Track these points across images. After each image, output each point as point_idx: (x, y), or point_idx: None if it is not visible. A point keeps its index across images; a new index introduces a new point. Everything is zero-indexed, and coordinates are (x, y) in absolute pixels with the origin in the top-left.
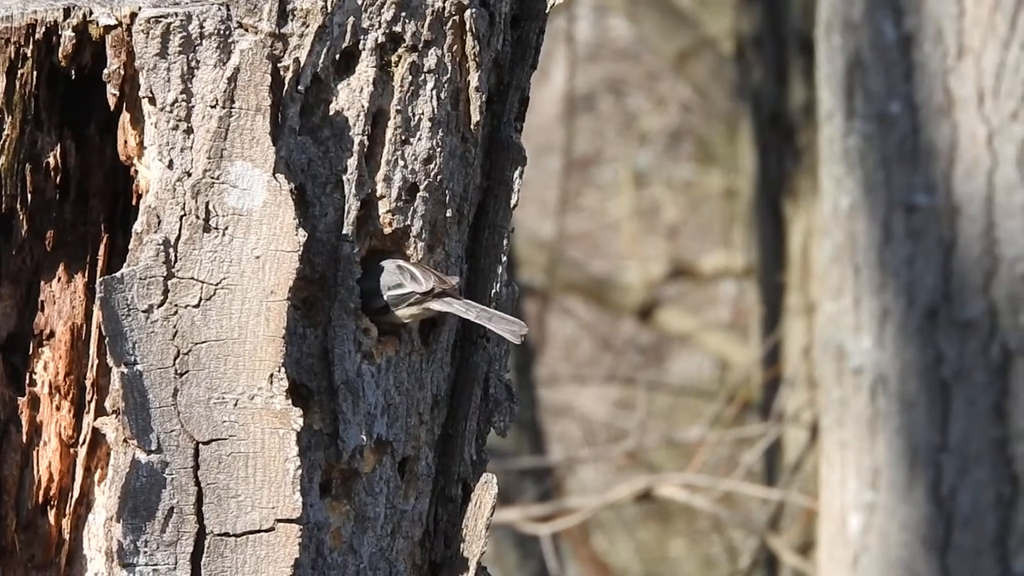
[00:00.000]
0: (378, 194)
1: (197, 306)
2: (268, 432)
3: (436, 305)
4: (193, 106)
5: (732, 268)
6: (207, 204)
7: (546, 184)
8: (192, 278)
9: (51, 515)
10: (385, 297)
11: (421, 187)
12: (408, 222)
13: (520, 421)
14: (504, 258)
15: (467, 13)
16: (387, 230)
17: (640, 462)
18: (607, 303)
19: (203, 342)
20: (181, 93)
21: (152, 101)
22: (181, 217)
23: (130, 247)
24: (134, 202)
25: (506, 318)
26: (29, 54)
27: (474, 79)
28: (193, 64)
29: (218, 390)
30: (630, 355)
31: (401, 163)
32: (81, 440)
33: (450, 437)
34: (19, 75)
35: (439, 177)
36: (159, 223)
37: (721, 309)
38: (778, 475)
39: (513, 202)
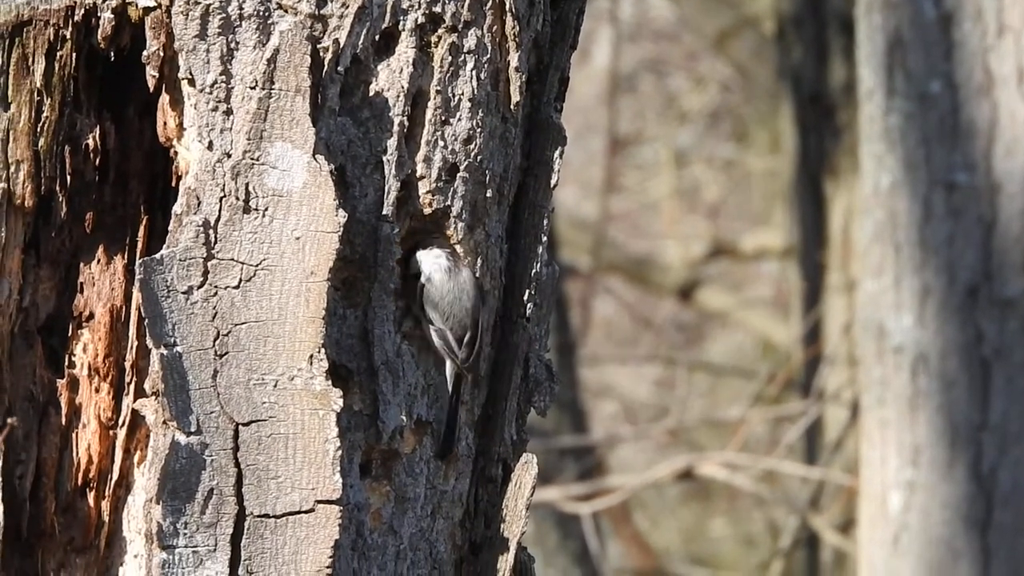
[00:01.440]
0: (418, 175)
1: (237, 287)
2: (308, 413)
3: (446, 367)
4: (233, 87)
5: (772, 247)
6: (247, 185)
7: (587, 164)
8: (232, 259)
9: (90, 497)
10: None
11: (461, 167)
12: (448, 202)
13: (560, 400)
14: (544, 238)
15: None
16: (427, 210)
17: (681, 441)
18: (648, 283)
19: (243, 323)
20: (221, 74)
21: (192, 82)
22: (221, 198)
23: (170, 229)
24: (173, 184)
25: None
26: (68, 36)
27: (514, 59)
28: (232, 45)
29: (258, 371)
30: (671, 334)
31: (441, 143)
32: (120, 422)
33: (490, 417)
34: (58, 57)
35: (479, 157)
36: (199, 204)
37: (762, 288)
38: (819, 454)
39: (553, 182)
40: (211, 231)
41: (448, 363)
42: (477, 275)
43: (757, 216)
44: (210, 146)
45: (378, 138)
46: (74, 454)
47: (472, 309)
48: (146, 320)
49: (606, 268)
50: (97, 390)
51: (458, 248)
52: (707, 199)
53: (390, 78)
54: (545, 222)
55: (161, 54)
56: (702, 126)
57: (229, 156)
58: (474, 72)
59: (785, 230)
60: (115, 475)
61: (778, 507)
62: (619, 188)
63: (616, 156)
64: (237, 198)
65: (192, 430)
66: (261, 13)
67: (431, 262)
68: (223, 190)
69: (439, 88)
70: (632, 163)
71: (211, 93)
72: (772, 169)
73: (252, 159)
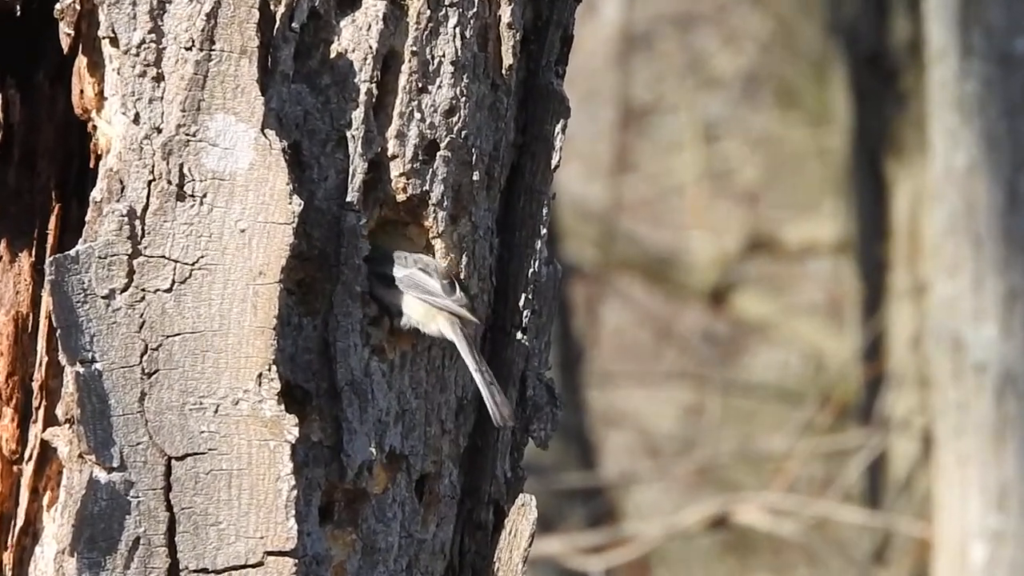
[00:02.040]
0: (390, 153)
1: (169, 291)
2: (256, 445)
3: (445, 327)
4: (164, 48)
5: (823, 241)
6: (181, 166)
7: (595, 141)
8: (163, 256)
9: None
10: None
11: (442, 144)
12: (426, 187)
13: (565, 429)
14: (544, 230)
15: None
16: (400, 197)
17: (712, 480)
18: (671, 285)
19: (176, 335)
20: (150, 32)
21: (114, 42)
22: (149, 182)
23: (87, 219)
24: (92, 165)
25: (501, 396)
26: None
27: (506, 14)
28: None
29: (195, 393)
30: (699, 348)
31: (417, 116)
32: (27, 456)
33: (479, 450)
34: None
35: (464, 132)
36: (122, 190)
37: (811, 291)
38: (883, 496)
39: (554, 162)
40: (137, 222)
41: (445, 325)
42: (462, 275)
43: (804, 203)
44: (136, 119)
45: (341, 109)
46: None
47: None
48: (58, 331)
49: (619, 267)
50: None
51: (438, 243)
52: (742, 182)
53: (356, 36)
54: (544, 211)
55: (77, 7)
56: (735, 93)
57: (159, 131)
58: (457, 30)
59: (838, 220)
60: (20, 520)
61: (833, 561)
62: (634, 169)
63: (630, 130)
64: (169, 182)
65: (114, 465)
66: None
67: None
68: (152, 172)
69: (415, 49)
70: (650, 138)
71: (138, 55)
72: (822, 146)
73: (188, 135)
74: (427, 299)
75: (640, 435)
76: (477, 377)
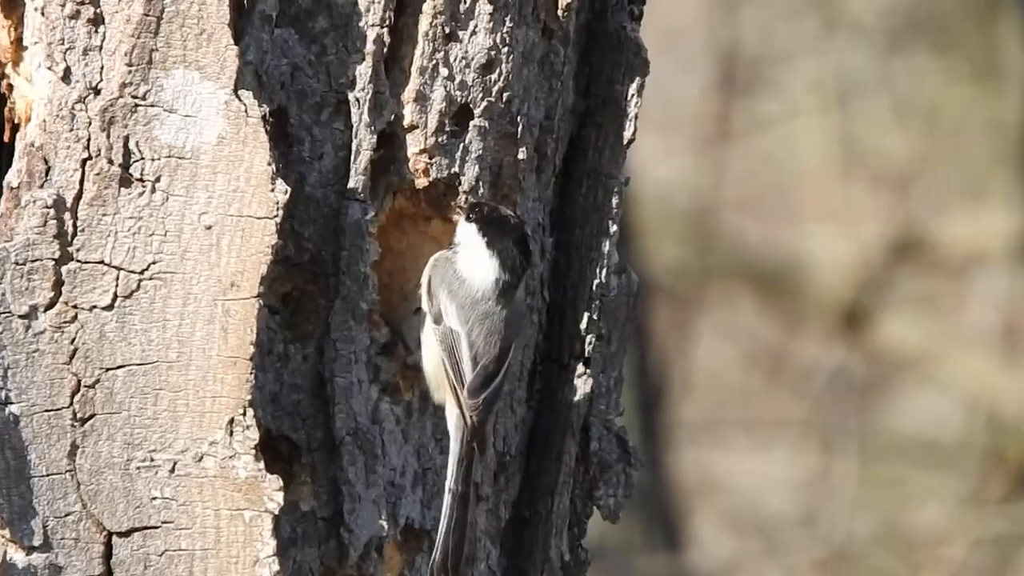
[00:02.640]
0: (406, 122)
1: (110, 308)
2: (227, 516)
3: (450, 414)
4: None
5: (994, 242)
6: (126, 141)
7: (684, 106)
8: (102, 262)
9: None
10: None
11: (477, 111)
12: (455, 168)
13: (641, 497)
14: (613, 228)
15: None
16: (421, 182)
17: (845, 571)
18: (787, 303)
19: (119, 367)
20: None
21: None
22: (84, 162)
23: (0, 212)
24: (7, 138)
25: (447, 542)
26: None
27: None
28: None
29: (144, 446)
30: (825, 391)
31: (444, 72)
32: None
33: (527, 523)
34: None
35: (505, 94)
36: (47, 172)
37: (978, 312)
38: None
39: (627, 135)
40: (67, 216)
41: (451, 413)
42: (505, 278)
43: (968, 189)
44: (66, 76)
45: (341, 63)
46: None
47: (509, 325)
48: None
49: (717, 278)
50: None
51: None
52: (885, 162)
53: None
54: (614, 201)
55: None
56: (876, 42)
57: (97, 92)
58: None
59: (1013, 213)
60: None
61: None
62: (738, 144)
63: (732, 92)
64: (110, 161)
65: (35, 543)
66: None
67: (466, 229)
68: (87, 149)
69: None
70: (759, 103)
71: None
72: (991, 111)
73: (135, 97)
74: (450, 376)
75: (744, 507)
76: (446, 498)
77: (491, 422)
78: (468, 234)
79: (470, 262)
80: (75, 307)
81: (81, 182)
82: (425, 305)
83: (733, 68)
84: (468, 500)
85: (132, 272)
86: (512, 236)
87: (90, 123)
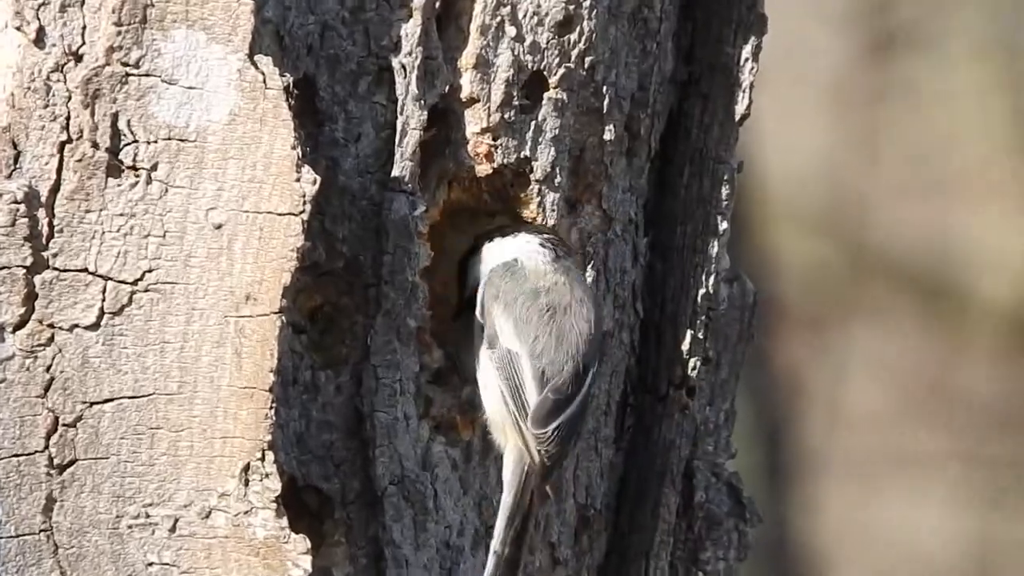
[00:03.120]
0: (464, 95)
1: (96, 327)
2: None
3: (509, 456)
4: None
5: None
6: (115, 119)
7: (818, 73)
8: (85, 270)
9: None
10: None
11: (552, 79)
12: (526, 151)
13: (761, 558)
14: (723, 225)
15: None
16: (483, 168)
17: None
18: (948, 314)
19: (107, 401)
20: None
21: None
22: (62, 146)
23: None
24: None
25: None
26: None
27: None
28: None
29: (137, 499)
30: (1001, 424)
31: (511, 31)
32: None
33: None
34: None
35: (588, 59)
36: (17, 158)
37: None
38: None
39: (740, 109)
40: (41, 213)
41: (510, 453)
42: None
43: None
44: (40, 38)
45: (383, 21)
46: None
47: (581, 344)
48: None
49: (858, 285)
50: None
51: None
52: None
53: None
54: (725, 191)
55: None
56: None
57: (78, 59)
58: None
59: None
60: None
61: None
62: (887, 121)
63: (880, 55)
64: (95, 145)
65: None
66: None
67: (522, 247)
68: (67, 129)
69: None
70: (911, 68)
71: None
72: None
73: (125, 65)
74: (510, 406)
75: (900, 567)
76: (489, 562)
77: (568, 464)
78: (488, 250)
79: (502, 254)
80: (51, 326)
81: (59, 171)
82: (479, 326)
83: (881, 22)
84: (517, 567)
85: (123, 282)
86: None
87: (69, 97)
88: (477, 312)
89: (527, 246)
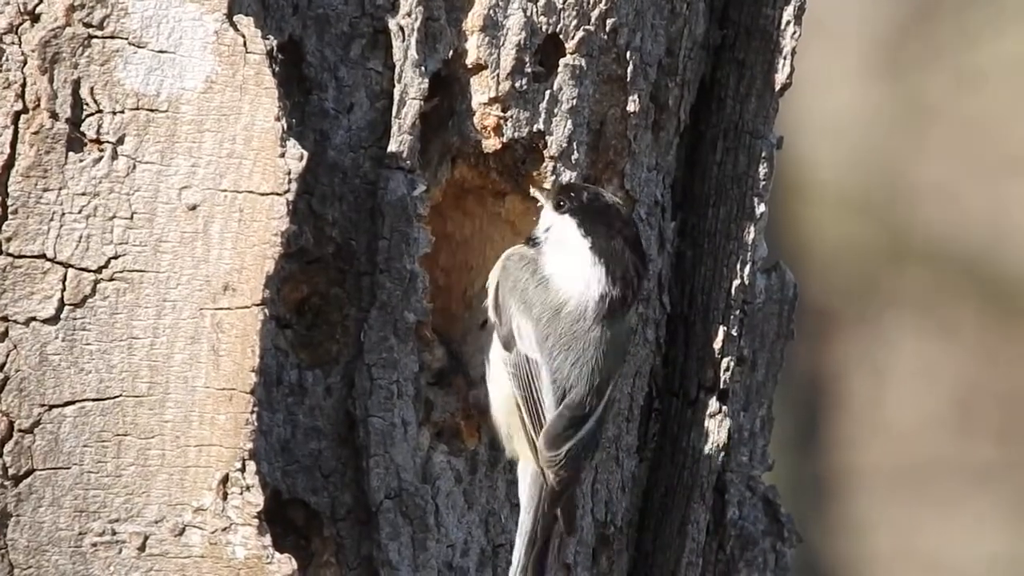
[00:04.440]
0: (470, 60)
1: (55, 321)
2: None
3: (525, 469)
4: None
5: None
6: (76, 86)
7: (865, 40)
8: (42, 256)
9: None
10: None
11: (569, 44)
12: (540, 124)
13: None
14: (761, 208)
15: None
16: (491, 143)
17: None
18: (1010, 316)
19: (67, 404)
20: None
21: None
22: (17, 116)
23: None
24: None
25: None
26: None
27: None
28: None
29: (102, 515)
30: None
31: None
32: None
33: None
34: None
35: (610, 22)
36: None
37: None
38: None
39: (781, 78)
40: None
41: (525, 472)
42: (614, 293)
43: None
44: None
45: None
46: None
47: (610, 350)
48: None
49: (909, 277)
50: None
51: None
52: None
53: None
54: (762, 170)
55: None
56: None
57: (35, 19)
58: None
59: None
60: None
61: None
62: (938, 94)
63: (932, 21)
64: (54, 116)
65: None
66: None
67: (558, 223)
68: (22, 98)
69: None
70: (966, 37)
71: None
72: None
73: (88, 26)
74: (525, 421)
75: None
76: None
77: (583, 483)
78: (561, 229)
79: (562, 267)
80: (5, 319)
81: (13, 145)
82: (493, 322)
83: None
84: None
85: (85, 270)
86: (623, 234)
87: (25, 62)
88: (489, 306)
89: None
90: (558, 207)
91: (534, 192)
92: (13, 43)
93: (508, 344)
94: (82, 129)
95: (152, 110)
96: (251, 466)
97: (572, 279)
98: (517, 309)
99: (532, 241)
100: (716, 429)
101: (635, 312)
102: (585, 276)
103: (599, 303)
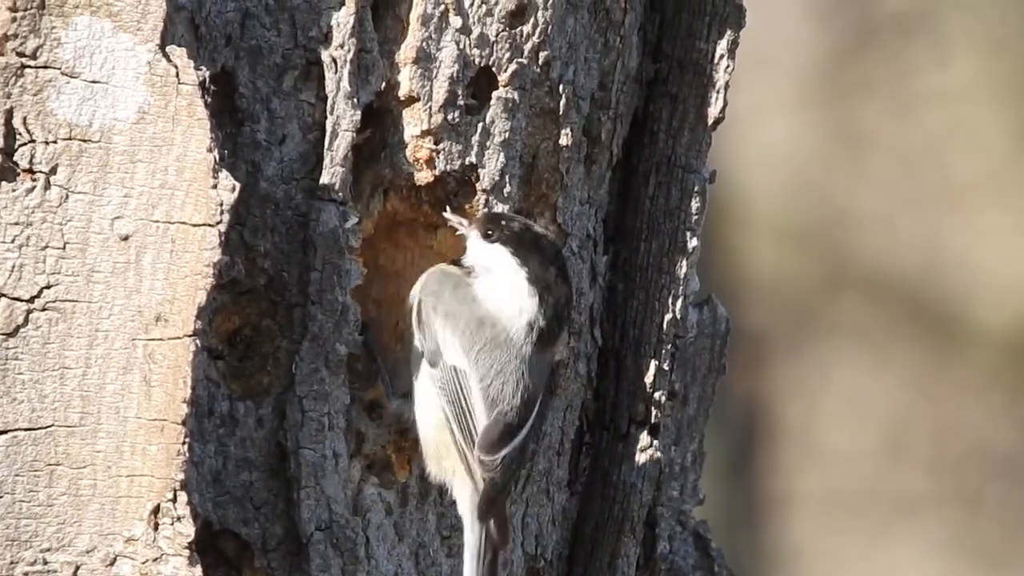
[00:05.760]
0: (403, 92)
1: None
2: None
3: (461, 487)
4: None
5: None
6: (9, 116)
7: (798, 75)
8: None
9: None
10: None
11: (502, 77)
12: (472, 157)
13: None
14: (693, 242)
15: None
16: (424, 176)
17: None
18: (944, 347)
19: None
20: None
21: None
22: None
23: None
24: None
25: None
26: None
27: None
28: None
29: (33, 544)
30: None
31: (456, 21)
32: None
33: None
34: None
35: (542, 55)
36: None
37: None
38: None
39: (714, 112)
40: None
41: (462, 489)
42: (542, 324)
43: None
44: None
45: (311, 8)
46: None
47: (536, 371)
48: None
49: (841, 306)
50: None
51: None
52: None
53: None
54: (695, 204)
55: None
56: None
57: None
58: None
59: None
60: None
61: None
62: (873, 124)
63: (867, 50)
64: None
65: None
66: None
67: (490, 252)
68: None
69: None
70: (902, 55)
71: None
72: None
73: (21, 55)
74: (455, 433)
75: None
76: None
77: (512, 498)
78: (492, 258)
79: (495, 293)
80: None
81: None
82: (417, 341)
83: (868, 9)
84: None
85: (18, 300)
86: (555, 265)
87: None
88: (413, 323)
89: (523, 317)
90: (487, 236)
91: (452, 220)
92: None
93: (434, 359)
94: (15, 159)
95: (85, 140)
96: (182, 497)
97: (504, 303)
98: (441, 323)
99: (460, 266)
100: (647, 463)
101: (565, 344)
102: (519, 304)
103: (527, 329)
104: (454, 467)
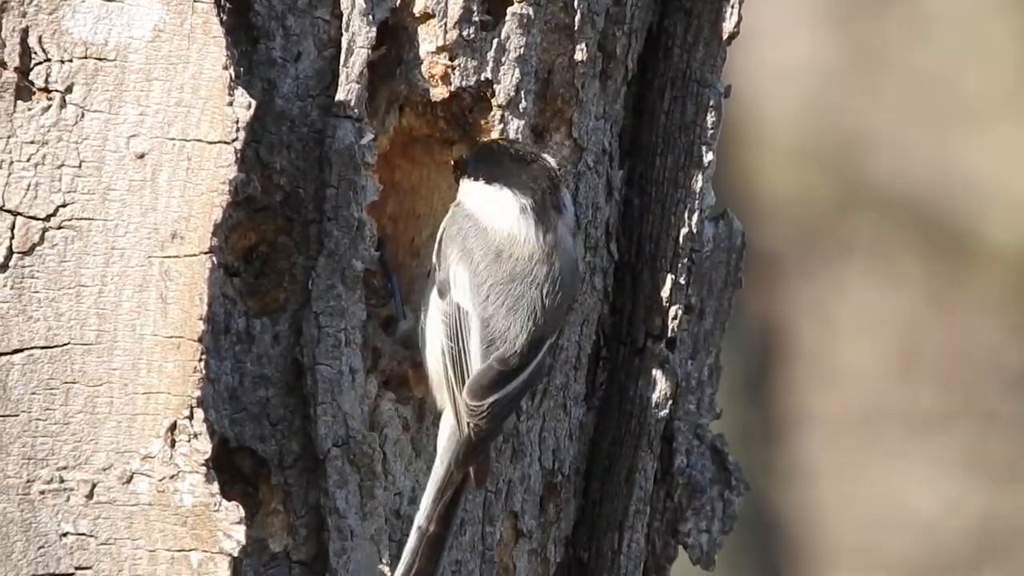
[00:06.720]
0: (418, 8)
1: (3, 269)
2: (166, 559)
3: (444, 422)
4: None
5: None
6: (24, 35)
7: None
8: None
9: None
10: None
11: None
12: (487, 73)
13: (746, 531)
14: (709, 156)
15: None
16: (439, 92)
17: None
18: (957, 265)
19: (15, 352)
20: None
21: None
22: None
23: None
24: None
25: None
26: None
27: None
28: None
29: (50, 462)
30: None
31: None
32: None
33: (586, 568)
34: None
35: None
36: None
37: None
38: None
39: (729, 26)
40: None
41: (445, 423)
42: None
43: None
44: None
45: None
46: None
47: (540, 313)
48: None
49: (855, 225)
50: None
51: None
52: None
53: None
54: (710, 119)
55: None
56: None
57: None
58: None
59: None
60: None
61: None
62: (888, 43)
63: None
64: (3, 64)
65: None
66: None
67: (469, 186)
68: None
69: None
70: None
71: None
72: None
73: None
74: (448, 370)
75: (896, 547)
76: (411, 536)
77: (496, 438)
78: (468, 190)
79: (486, 211)
80: None
81: None
82: (433, 267)
83: None
84: (443, 546)
85: (34, 218)
86: (508, 154)
87: None
88: (434, 251)
89: (507, 207)
90: (461, 176)
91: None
92: None
93: (443, 291)
94: (31, 78)
95: (100, 59)
96: (199, 414)
97: (495, 215)
98: (456, 256)
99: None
100: (664, 377)
101: (576, 245)
102: (498, 205)
103: (524, 216)
104: (444, 402)
